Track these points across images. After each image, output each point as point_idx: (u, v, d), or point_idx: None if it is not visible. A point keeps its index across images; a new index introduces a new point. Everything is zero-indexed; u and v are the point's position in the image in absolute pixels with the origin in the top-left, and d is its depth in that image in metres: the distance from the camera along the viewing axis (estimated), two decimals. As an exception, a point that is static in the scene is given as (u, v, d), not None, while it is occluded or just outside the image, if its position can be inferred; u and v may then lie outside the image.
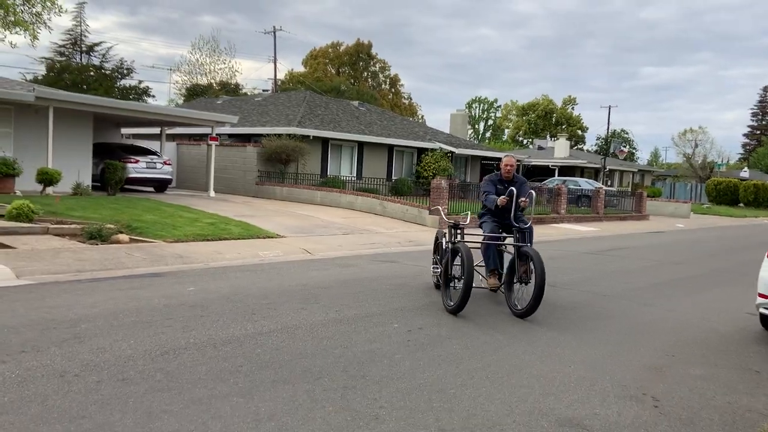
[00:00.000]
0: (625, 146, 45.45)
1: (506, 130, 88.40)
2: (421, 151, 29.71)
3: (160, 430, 3.41)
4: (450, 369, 4.81)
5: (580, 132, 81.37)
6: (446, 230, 7.34)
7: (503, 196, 7.10)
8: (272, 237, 12.51)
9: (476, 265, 6.65)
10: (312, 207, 19.57)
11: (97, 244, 9.94)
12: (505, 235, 7.39)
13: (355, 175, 26.40)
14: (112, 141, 21.99)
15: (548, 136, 66.44)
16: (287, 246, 11.69)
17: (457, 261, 6.64)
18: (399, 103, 65.40)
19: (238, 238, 11.84)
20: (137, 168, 19.27)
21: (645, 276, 10.46)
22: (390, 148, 28.65)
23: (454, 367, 4.88)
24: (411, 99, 71.08)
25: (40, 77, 39.83)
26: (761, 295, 6.27)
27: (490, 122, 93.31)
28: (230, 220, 13.84)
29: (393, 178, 28.17)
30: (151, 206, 14.84)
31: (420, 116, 71.37)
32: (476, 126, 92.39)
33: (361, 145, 27.19)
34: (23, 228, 10.35)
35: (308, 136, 24.23)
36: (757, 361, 5.60)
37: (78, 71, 40.93)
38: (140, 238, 10.76)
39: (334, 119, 27.97)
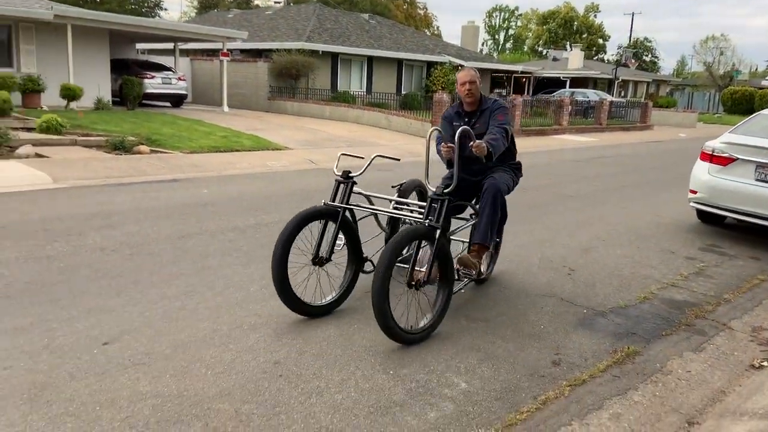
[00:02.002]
0: (631, 55, 44.45)
1: (527, 41, 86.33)
2: (431, 65, 29.92)
3: (180, 284, 4.60)
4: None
5: (601, 41, 79.34)
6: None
7: (445, 144, 4.16)
8: (280, 149, 13.54)
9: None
10: (321, 121, 20.43)
11: (120, 155, 11.07)
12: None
13: (364, 90, 26.92)
14: (128, 57, 22.69)
15: (568, 46, 65.19)
16: (294, 157, 12.73)
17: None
18: (414, 14, 64.02)
19: (249, 150, 12.89)
20: (153, 83, 20.09)
21: (614, 180, 11.41)
22: (399, 62, 28.91)
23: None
24: (426, 9, 69.47)
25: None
26: (692, 191, 7.21)
27: (511, 32, 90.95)
28: (242, 134, 14.84)
29: (402, 92, 28.63)
30: (168, 120, 15.85)
31: (435, 27, 69.95)
32: (496, 36, 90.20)
33: (371, 59, 27.51)
34: (53, 140, 11.49)
35: (318, 51, 24.66)
36: (678, 246, 6.64)
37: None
38: (159, 150, 11.86)
39: (344, 33, 28.16)
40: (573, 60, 44.23)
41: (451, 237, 4.53)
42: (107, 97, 18.02)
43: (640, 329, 4.20)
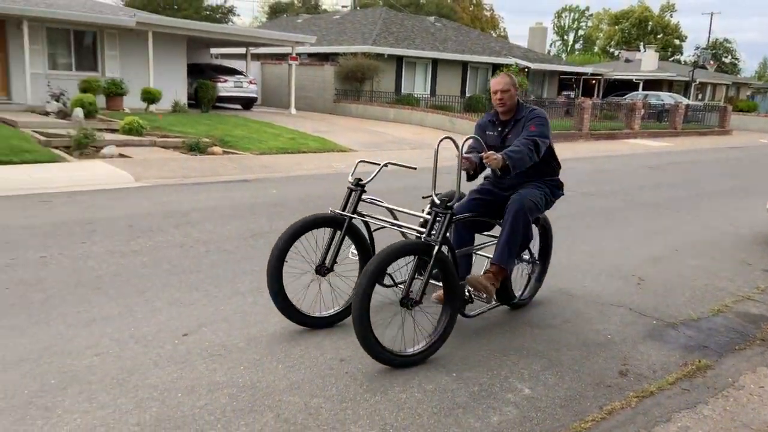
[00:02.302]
0: (710, 56, 42.40)
1: (597, 41, 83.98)
2: (496, 66, 29.62)
3: (252, 281, 4.81)
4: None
5: (677, 42, 76.27)
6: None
7: (468, 155, 3.94)
8: (345, 151, 13.79)
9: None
10: (385, 124, 20.63)
11: (196, 155, 11.58)
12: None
13: (428, 92, 26.98)
14: (203, 62, 23.65)
15: (641, 46, 63.02)
16: (357, 159, 12.93)
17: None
18: (480, 16, 63.50)
19: (315, 152, 13.20)
20: (226, 87, 20.85)
21: (688, 187, 11.00)
22: (464, 64, 28.80)
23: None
24: (493, 11, 68.78)
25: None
26: (772, 201, 6.90)
27: (581, 33, 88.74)
28: (308, 136, 15.21)
29: (467, 95, 28.49)
30: (240, 122, 16.42)
31: (502, 29, 69.15)
32: (565, 37, 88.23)
33: (436, 62, 27.54)
34: (134, 141, 12.14)
35: (383, 55, 24.90)
36: (755, 258, 6.37)
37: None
38: (231, 150, 12.32)
39: (409, 36, 28.31)
40: (647, 61, 42.71)
41: (477, 252, 4.24)
42: (183, 100, 18.83)
43: (712, 342, 4.09)
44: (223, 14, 44.95)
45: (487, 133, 4.17)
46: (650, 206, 8.89)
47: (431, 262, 3.46)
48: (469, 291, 3.90)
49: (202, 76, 20.45)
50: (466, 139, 3.73)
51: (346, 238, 3.98)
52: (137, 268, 4.94)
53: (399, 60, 26.11)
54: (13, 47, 16.28)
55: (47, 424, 2.74)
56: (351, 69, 23.55)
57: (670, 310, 4.67)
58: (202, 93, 19.06)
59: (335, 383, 3.26)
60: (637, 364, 3.69)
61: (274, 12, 50.06)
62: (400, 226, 3.99)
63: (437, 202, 3.60)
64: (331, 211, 3.94)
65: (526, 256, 4.50)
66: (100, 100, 15.84)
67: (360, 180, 4.01)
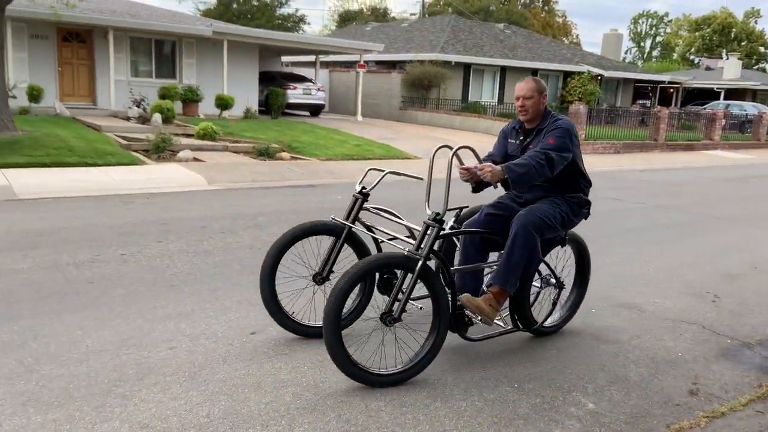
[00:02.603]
0: None
1: (676, 48, 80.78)
2: (568, 74, 29.04)
3: (315, 283, 4.92)
4: (540, 264, 5.88)
5: (762, 49, 72.38)
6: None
7: (467, 167, 3.56)
8: (410, 158, 13.87)
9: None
10: (450, 131, 20.58)
11: (264, 160, 11.93)
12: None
13: (496, 100, 26.72)
14: (274, 69, 24.36)
15: (724, 54, 60.24)
16: (422, 166, 12.97)
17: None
18: (552, 23, 62.41)
19: (380, 158, 13.34)
20: (295, 94, 21.39)
21: (776, 203, 10.42)
22: (534, 72, 28.33)
23: (544, 262, 5.93)
24: (565, 17, 67.43)
25: (211, 8, 43.70)
26: None
27: (659, 39, 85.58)
28: (374, 143, 15.38)
29: (536, 102, 28.01)
30: (307, 129, 16.80)
31: (575, 35, 67.72)
32: (641, 44, 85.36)
33: (504, 69, 27.26)
34: (208, 145, 12.64)
35: (450, 62, 24.88)
36: None
37: (243, 1, 44.25)
38: (299, 156, 12.63)
39: (478, 44, 28.16)
40: (729, 69, 40.74)
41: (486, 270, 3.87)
42: (255, 106, 19.45)
43: (793, 366, 3.87)
44: (295, 23, 46.11)
45: (509, 141, 3.90)
46: (728, 220, 8.49)
47: (414, 277, 3.25)
48: (467, 312, 3.60)
49: (273, 84, 21.06)
50: (458, 148, 3.50)
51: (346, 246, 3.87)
52: (209, 268, 5.16)
53: (467, 67, 26.01)
54: (99, 56, 17.30)
55: (125, 412, 2.91)
56: (417, 76, 23.66)
57: (745, 329, 4.45)
58: (273, 100, 19.62)
59: (395, 387, 3.30)
60: (709, 384, 3.55)
61: (344, 20, 50.95)
62: (393, 237, 3.74)
63: (430, 213, 3.40)
64: (333, 219, 3.87)
65: (536, 282, 4.03)
66: (177, 106, 16.60)
67: (364, 188, 3.90)
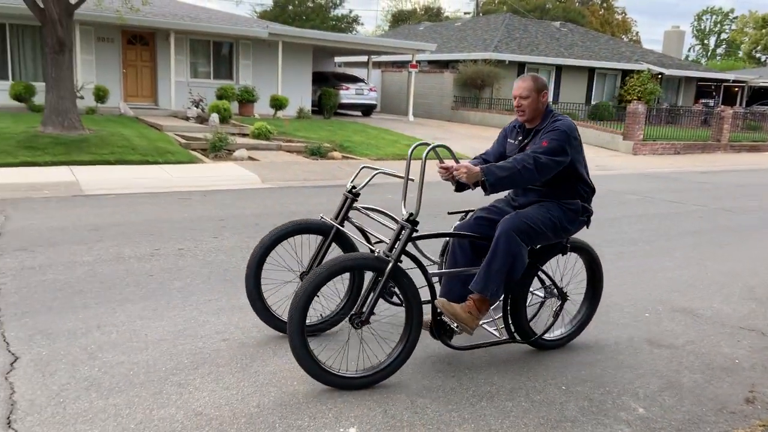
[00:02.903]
0: None
1: (742, 46, 77.37)
2: (626, 73, 28.25)
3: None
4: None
5: (838, 45, 68.42)
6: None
7: (446, 166, 3.44)
8: (462, 159, 13.79)
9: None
10: (504, 131, 20.35)
11: (317, 159, 12.12)
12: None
13: (551, 99, 26.24)
14: (327, 70, 24.67)
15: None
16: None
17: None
18: (611, 20, 60.77)
19: (431, 158, 13.31)
20: (347, 94, 21.60)
21: None
22: (591, 70, 27.72)
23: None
24: (625, 14, 65.53)
25: (267, 9, 44.64)
26: None
27: (723, 36, 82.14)
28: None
29: (593, 102, 27.41)
30: (359, 128, 16.95)
31: (634, 33, 65.73)
32: (705, 41, 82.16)
33: (559, 68, 26.75)
34: (262, 145, 12.94)
35: (504, 61, 24.60)
36: None
37: (299, 2, 45.02)
38: (350, 156, 12.77)
39: (532, 42, 27.74)
40: (799, 66, 38.68)
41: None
42: (308, 106, 19.76)
43: None
44: (348, 24, 46.58)
45: (508, 140, 3.70)
46: (795, 225, 8.11)
47: (384, 279, 3.16)
48: (444, 319, 3.41)
49: (326, 84, 21.33)
50: (433, 147, 3.34)
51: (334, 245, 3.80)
52: (261, 263, 5.29)
53: (521, 66, 25.66)
54: (161, 58, 17.94)
55: (180, 399, 3.04)
56: (470, 76, 23.50)
57: (812, 338, 4.25)
58: (325, 100, 19.88)
59: (441, 385, 3.32)
60: (767, 392, 3.42)
61: (397, 21, 51.11)
62: (379, 241, 3.72)
63: (405, 214, 3.25)
64: (322, 218, 3.80)
65: (539, 292, 3.84)
66: (234, 107, 17.05)
67: (354, 187, 3.80)
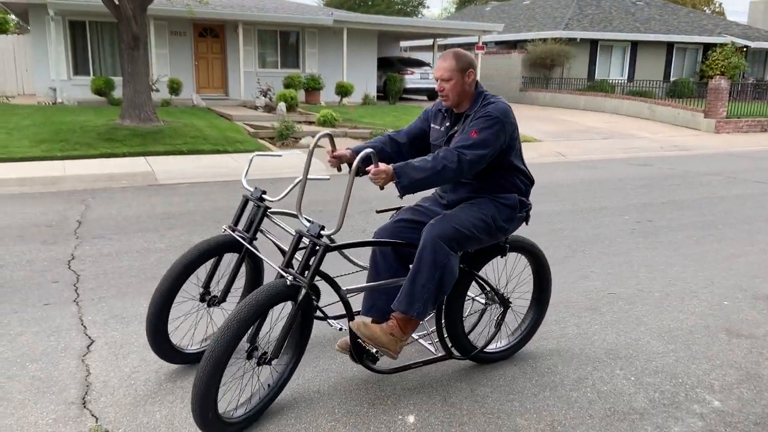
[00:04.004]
0: None
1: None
2: (708, 47, 26.66)
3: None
4: (666, 251, 5.50)
5: None
6: None
7: (337, 154, 3.05)
8: (529, 141, 13.45)
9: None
10: (574, 112, 19.69)
11: (382, 145, 12.14)
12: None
13: (625, 77, 25.15)
14: (392, 55, 24.60)
15: None
16: (542, 149, 12.55)
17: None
18: (691, -9, 57.45)
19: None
20: (412, 79, 21.47)
21: None
22: (669, 45, 26.32)
23: (672, 250, 5.54)
24: (707, -16, 61.65)
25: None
26: None
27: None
28: (492, 125, 15.09)
29: (671, 79, 26.05)
30: (424, 113, 16.82)
31: (717, 4, 61.81)
32: (796, 9, 76.28)
33: (635, 44, 25.55)
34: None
35: (575, 39, 23.74)
36: None
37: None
38: (415, 141, 12.70)
39: (606, 18, 26.59)
40: None
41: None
42: (373, 92, 19.79)
43: None
44: (414, 8, 46.22)
45: (432, 126, 3.17)
46: None
47: (296, 309, 2.68)
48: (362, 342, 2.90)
49: (391, 69, 21.28)
50: (320, 137, 2.89)
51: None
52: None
53: (593, 44, 24.70)
54: (230, 49, 18.42)
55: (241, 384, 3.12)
56: (539, 56, 22.85)
57: None
58: (390, 85, 19.85)
59: (503, 374, 3.26)
60: None
61: (463, 2, 50.23)
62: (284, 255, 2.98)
63: (306, 224, 2.76)
64: (225, 230, 3.20)
65: (480, 299, 3.46)
66: (300, 95, 17.31)
67: (264, 194, 3.19)
